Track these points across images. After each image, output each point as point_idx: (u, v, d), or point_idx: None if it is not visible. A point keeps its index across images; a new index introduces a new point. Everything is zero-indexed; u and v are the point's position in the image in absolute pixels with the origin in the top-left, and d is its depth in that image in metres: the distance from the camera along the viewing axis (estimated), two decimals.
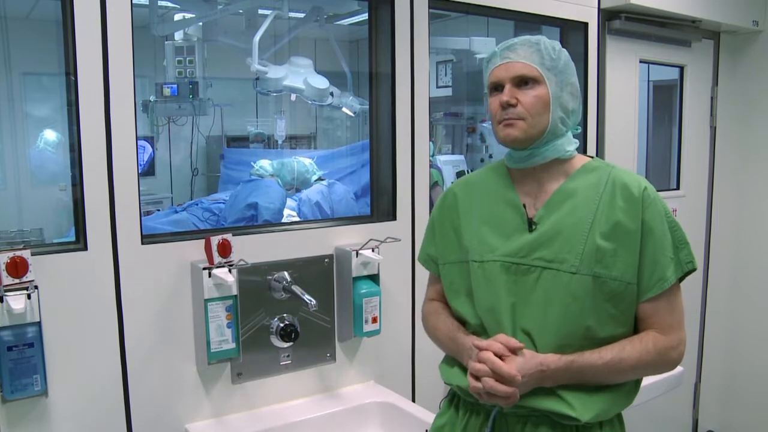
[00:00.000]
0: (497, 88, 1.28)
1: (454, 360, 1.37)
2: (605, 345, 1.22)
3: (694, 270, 1.26)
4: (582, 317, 1.22)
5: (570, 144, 1.31)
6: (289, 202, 3.34)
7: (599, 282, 1.22)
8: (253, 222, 3.04)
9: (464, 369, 1.29)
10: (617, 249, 1.22)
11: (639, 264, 1.22)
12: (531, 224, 1.29)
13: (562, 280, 1.23)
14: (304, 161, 3.58)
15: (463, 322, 1.37)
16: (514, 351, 1.20)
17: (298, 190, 3.51)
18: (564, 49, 1.30)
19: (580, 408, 1.21)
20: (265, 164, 3.52)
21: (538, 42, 1.27)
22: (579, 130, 1.35)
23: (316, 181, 3.57)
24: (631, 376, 1.26)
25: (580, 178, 1.30)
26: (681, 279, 1.26)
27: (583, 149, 2.67)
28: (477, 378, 1.21)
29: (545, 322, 1.24)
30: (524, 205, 1.31)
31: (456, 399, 1.39)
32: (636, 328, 1.27)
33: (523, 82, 1.25)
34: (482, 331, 1.31)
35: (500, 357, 1.19)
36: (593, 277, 1.22)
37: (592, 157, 1.35)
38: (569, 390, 1.22)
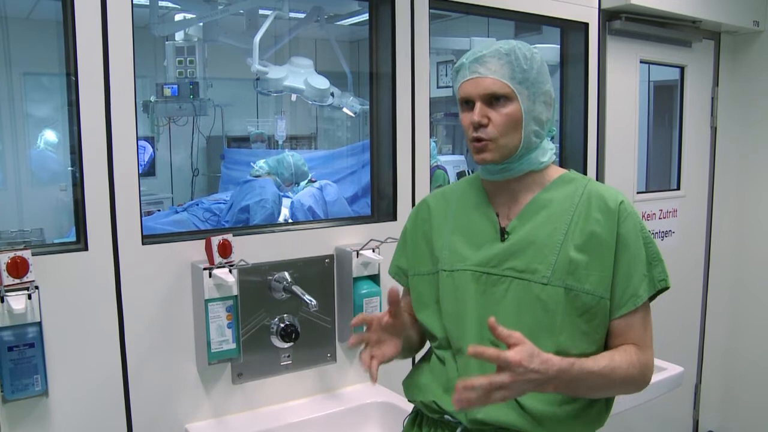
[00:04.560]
0: (467, 103, 1.23)
1: (417, 376, 1.34)
2: (596, 354, 1.17)
3: (666, 288, 1.22)
4: (553, 332, 1.18)
5: (544, 154, 1.27)
6: (283, 210, 3.33)
7: (571, 295, 1.18)
8: (248, 225, 3.03)
9: (428, 384, 1.27)
10: (590, 262, 1.18)
11: (612, 278, 1.18)
12: (503, 234, 1.26)
13: (533, 291, 1.19)
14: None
15: (429, 336, 1.33)
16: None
17: (297, 184, 3.51)
18: (537, 54, 1.24)
19: (550, 427, 1.17)
20: (262, 163, 3.52)
21: (508, 53, 1.20)
22: (554, 132, 1.32)
23: (307, 183, 3.56)
24: (617, 389, 1.21)
25: (555, 189, 1.27)
26: (653, 298, 1.22)
27: (583, 150, 2.67)
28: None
29: None
30: (497, 215, 1.28)
31: (419, 417, 1.35)
32: (606, 346, 1.22)
33: (494, 98, 1.20)
34: (447, 345, 1.28)
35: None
36: (565, 289, 1.18)
37: (568, 170, 1.32)
38: (539, 408, 1.17)
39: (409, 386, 1.35)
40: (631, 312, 1.19)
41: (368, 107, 2.23)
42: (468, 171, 4.32)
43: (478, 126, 1.21)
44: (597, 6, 2.63)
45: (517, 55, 1.21)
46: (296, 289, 1.80)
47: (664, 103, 3.41)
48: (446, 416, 1.24)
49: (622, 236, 1.19)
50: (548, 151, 1.29)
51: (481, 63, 1.21)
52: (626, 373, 1.17)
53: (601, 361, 1.15)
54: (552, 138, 1.32)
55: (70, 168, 1.62)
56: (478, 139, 1.22)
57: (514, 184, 1.28)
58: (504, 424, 1.18)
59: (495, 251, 1.25)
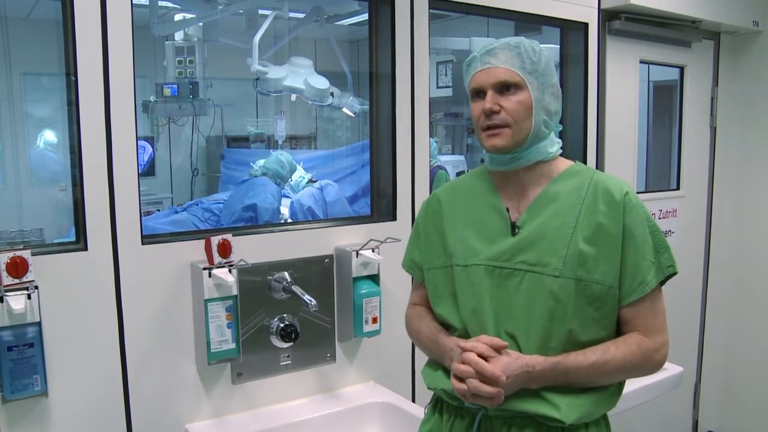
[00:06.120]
0: (479, 93, 1.28)
1: (437, 364, 1.37)
2: (589, 348, 1.23)
3: (674, 274, 1.26)
4: (565, 320, 1.22)
5: (552, 145, 1.31)
6: (283, 209, 3.34)
7: (581, 285, 1.22)
8: (252, 223, 3.03)
9: (448, 372, 1.29)
10: (599, 253, 1.22)
11: (620, 268, 1.23)
12: (514, 228, 1.29)
13: (545, 283, 1.23)
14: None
15: (447, 326, 1.36)
16: (498, 350, 1.20)
17: (290, 180, 3.52)
18: (544, 50, 1.29)
19: (565, 410, 1.21)
20: (259, 165, 3.52)
21: (518, 45, 1.26)
22: (561, 128, 1.35)
23: (307, 183, 3.56)
24: (616, 377, 1.26)
25: (562, 182, 1.30)
26: (662, 283, 1.27)
27: (583, 150, 2.67)
28: (461, 380, 1.20)
29: (529, 325, 1.24)
30: (507, 209, 1.31)
31: (440, 404, 1.39)
32: (618, 332, 1.27)
33: (505, 87, 1.25)
34: (466, 336, 1.30)
35: (484, 358, 1.19)
36: (576, 280, 1.22)
37: (574, 162, 1.36)
38: (554, 392, 1.22)
39: (429, 374, 1.38)
40: (639, 299, 1.24)
41: (368, 107, 2.23)
42: (468, 171, 4.32)
43: (490, 113, 1.25)
44: (597, 6, 2.63)
45: (526, 48, 1.26)
46: (296, 289, 1.80)
47: (664, 103, 3.41)
48: (466, 403, 1.27)
49: (627, 227, 1.23)
50: (556, 143, 1.32)
51: (492, 54, 1.26)
52: (623, 363, 1.22)
53: (592, 356, 1.21)
54: (557, 134, 1.35)
55: (69, 168, 1.63)
56: (490, 127, 1.26)
57: (523, 176, 1.31)
58: (522, 409, 1.22)
59: (507, 245, 1.28)
